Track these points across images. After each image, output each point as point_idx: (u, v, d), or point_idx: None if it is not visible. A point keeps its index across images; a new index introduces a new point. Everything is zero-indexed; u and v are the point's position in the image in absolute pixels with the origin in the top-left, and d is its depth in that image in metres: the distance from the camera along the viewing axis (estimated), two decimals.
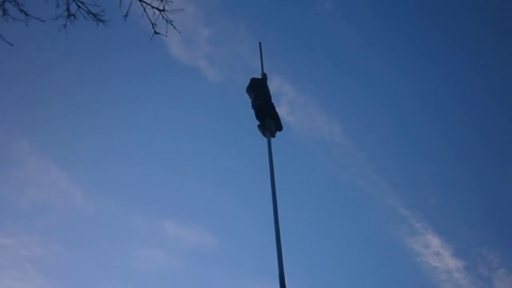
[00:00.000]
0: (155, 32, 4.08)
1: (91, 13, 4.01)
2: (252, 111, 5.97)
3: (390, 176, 14.56)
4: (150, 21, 4.03)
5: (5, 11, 3.78)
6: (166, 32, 4.11)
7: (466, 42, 14.87)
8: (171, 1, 4.07)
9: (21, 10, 3.79)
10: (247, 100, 6.26)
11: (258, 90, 6.05)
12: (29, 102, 13.94)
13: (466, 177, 14.90)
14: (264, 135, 5.61)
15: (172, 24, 4.09)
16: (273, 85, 6.69)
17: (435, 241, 13.61)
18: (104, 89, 14.36)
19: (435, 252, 13.51)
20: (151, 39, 4.06)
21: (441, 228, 13.94)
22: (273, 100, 6.09)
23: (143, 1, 4.03)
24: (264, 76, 6.41)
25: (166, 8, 4.03)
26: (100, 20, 4.03)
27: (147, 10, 4.02)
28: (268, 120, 5.64)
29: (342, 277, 13.44)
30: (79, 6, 3.98)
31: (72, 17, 3.99)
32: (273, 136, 5.60)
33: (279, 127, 5.86)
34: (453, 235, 14.04)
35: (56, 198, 13.54)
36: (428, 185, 14.72)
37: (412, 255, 13.62)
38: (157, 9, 4.04)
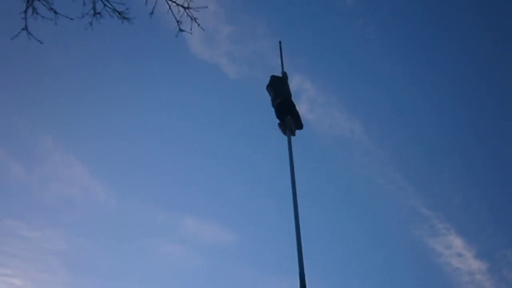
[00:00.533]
0: (180, 30, 4.13)
1: (117, 11, 4.08)
2: (272, 109, 5.97)
3: (411, 175, 14.37)
4: (175, 18, 4.08)
5: (34, 10, 3.87)
6: (191, 29, 4.16)
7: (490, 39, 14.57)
8: None
9: (51, 9, 3.88)
10: (267, 98, 6.24)
11: (278, 88, 6.04)
12: (53, 98, 14.26)
13: (491, 177, 14.60)
14: (284, 133, 5.60)
15: (196, 22, 4.13)
16: (293, 83, 6.69)
17: (457, 242, 13.38)
18: (127, 86, 14.55)
19: (457, 253, 13.28)
20: (176, 36, 4.11)
21: (464, 229, 13.69)
22: (293, 98, 6.08)
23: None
24: (285, 74, 6.39)
25: (190, 6, 4.07)
26: (125, 18, 4.10)
27: (172, 7, 4.07)
28: (288, 118, 5.63)
29: (362, 277, 13.34)
30: (104, 5, 4.07)
31: (98, 15, 4.07)
32: (293, 135, 5.59)
33: (300, 126, 5.84)
34: (477, 236, 13.78)
35: (79, 193, 13.83)
36: (451, 184, 14.47)
37: (434, 256, 13.42)
38: (182, 6, 4.09)
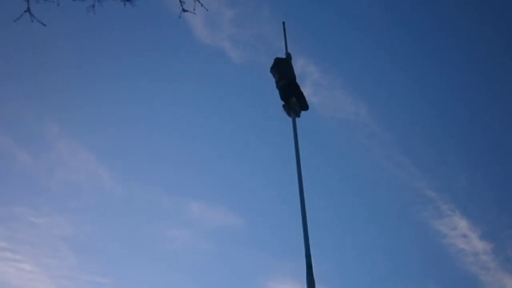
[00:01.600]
0: (183, 10, 4.10)
1: None
2: (277, 91, 5.95)
3: (417, 157, 14.35)
4: None
5: None
6: (194, 9, 4.12)
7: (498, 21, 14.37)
8: None
9: None
10: (271, 80, 6.23)
11: (282, 70, 6.01)
12: (58, 85, 14.28)
13: (496, 159, 14.55)
14: (289, 115, 5.59)
15: (199, 2, 4.09)
16: (297, 66, 6.64)
17: (462, 223, 13.41)
18: (131, 72, 14.55)
19: (462, 234, 13.32)
20: (179, 17, 4.08)
21: (469, 210, 13.71)
22: (297, 81, 6.05)
23: None
24: (289, 55, 6.35)
25: None
26: (127, 0, 4.06)
27: None
28: (293, 100, 5.61)
29: (367, 258, 13.43)
30: None
31: None
32: (298, 116, 5.57)
33: (305, 107, 5.83)
34: (482, 217, 13.79)
35: (85, 179, 13.94)
36: (457, 166, 14.45)
37: (438, 237, 13.47)
38: None
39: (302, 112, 5.80)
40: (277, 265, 12.81)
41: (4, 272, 12.18)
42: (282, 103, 5.79)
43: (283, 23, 6.67)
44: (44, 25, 3.84)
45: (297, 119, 5.53)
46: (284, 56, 6.37)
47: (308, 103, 5.95)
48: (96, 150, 14.03)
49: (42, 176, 13.68)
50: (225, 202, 13.93)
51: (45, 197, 13.61)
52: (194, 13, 4.17)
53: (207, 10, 4.16)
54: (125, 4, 4.08)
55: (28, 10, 3.78)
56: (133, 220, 13.95)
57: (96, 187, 13.90)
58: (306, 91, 6.32)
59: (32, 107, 13.89)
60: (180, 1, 4.04)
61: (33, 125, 13.82)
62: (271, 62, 6.36)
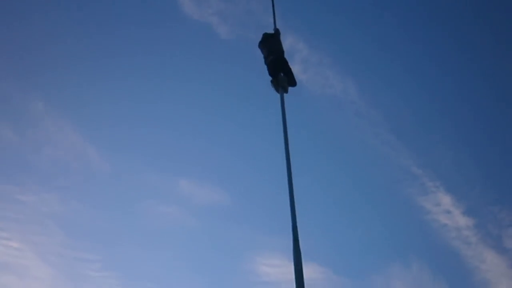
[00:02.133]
0: None
1: None
2: (265, 67, 5.93)
3: (403, 135, 14.53)
4: None
5: None
6: None
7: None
8: None
9: None
10: (259, 56, 6.20)
11: (271, 45, 5.99)
12: (43, 63, 14.03)
13: (481, 136, 14.81)
14: (277, 90, 5.60)
15: None
16: (286, 43, 6.59)
17: (446, 200, 13.71)
18: (119, 49, 14.36)
19: (445, 210, 13.64)
20: None
21: (453, 186, 14.01)
22: (286, 57, 6.03)
23: None
24: (277, 31, 6.32)
25: None
26: None
27: None
28: (281, 76, 5.61)
29: (352, 233, 13.71)
30: None
31: None
32: (286, 92, 5.59)
33: (293, 83, 5.83)
34: (465, 193, 14.12)
35: (72, 157, 13.86)
36: (442, 144, 14.68)
37: (422, 213, 13.78)
38: None
39: (290, 88, 5.81)
40: (265, 241, 13.02)
41: None
42: (270, 78, 5.78)
43: None
44: None
45: (285, 95, 5.53)
46: (272, 32, 6.34)
47: (297, 79, 5.96)
48: (83, 128, 13.95)
49: (28, 153, 13.58)
50: (213, 179, 14.02)
51: (32, 175, 13.54)
52: None
53: None
54: None
55: None
56: (121, 197, 13.99)
57: (84, 164, 13.86)
58: (295, 68, 6.33)
59: (16, 84, 13.67)
60: None
61: (17, 102, 13.63)
62: (259, 38, 6.33)
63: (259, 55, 6.23)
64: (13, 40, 13.75)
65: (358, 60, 14.74)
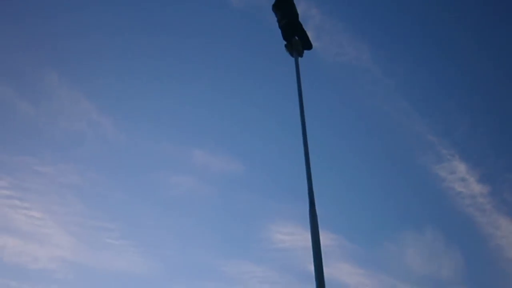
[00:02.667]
0: None
1: None
2: (279, 31, 5.84)
3: (418, 102, 14.37)
4: None
5: None
6: None
7: None
8: None
9: None
10: (273, 21, 6.07)
11: (284, 8, 5.88)
12: (57, 34, 14.03)
13: (496, 103, 14.55)
14: (292, 55, 5.50)
15: None
16: (299, 9, 6.46)
17: (461, 167, 13.63)
18: (130, 21, 14.26)
19: (460, 178, 13.58)
20: None
21: (468, 154, 13.90)
22: (300, 20, 5.93)
23: None
24: None
25: None
26: None
27: None
28: (296, 39, 5.53)
29: (366, 201, 13.78)
30: None
31: None
32: (301, 56, 5.51)
33: (309, 46, 5.75)
34: (481, 161, 14.01)
35: (88, 128, 14.03)
36: (458, 111, 14.48)
37: (437, 181, 13.75)
38: None
39: (305, 55, 5.72)
40: (279, 209, 13.18)
41: (15, 220, 12.59)
42: (285, 43, 5.70)
43: None
44: None
45: (299, 60, 5.45)
46: None
47: (311, 39, 5.85)
48: (98, 98, 14.04)
49: (44, 125, 13.79)
50: (227, 149, 14.13)
51: (49, 146, 13.79)
52: None
53: None
54: None
55: None
56: (137, 167, 14.22)
57: (99, 135, 14.04)
58: (308, 35, 6.21)
59: (29, 56, 13.74)
60: None
61: (32, 74, 13.75)
62: (272, 2, 6.20)
63: (273, 20, 6.12)
64: (24, 11, 13.75)
65: (373, 26, 14.46)
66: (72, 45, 14.07)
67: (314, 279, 3.62)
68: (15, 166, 13.14)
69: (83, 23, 14.04)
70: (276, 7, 6.01)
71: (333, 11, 13.80)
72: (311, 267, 3.73)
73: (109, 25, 14.28)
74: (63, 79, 13.98)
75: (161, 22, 14.42)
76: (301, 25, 5.80)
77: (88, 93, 13.94)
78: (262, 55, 13.61)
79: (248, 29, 13.97)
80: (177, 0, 14.27)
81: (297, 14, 5.90)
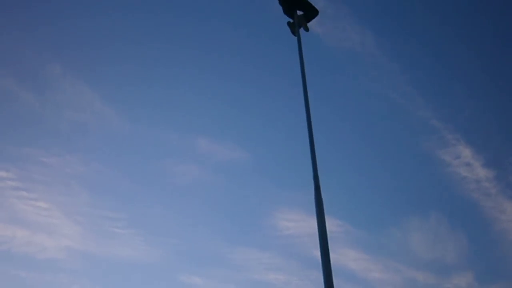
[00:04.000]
0: None
1: None
2: (281, 9, 5.63)
3: (423, 87, 14.21)
4: None
5: None
6: None
7: None
8: None
9: None
10: (276, 4, 5.97)
11: None
12: (58, 24, 13.96)
13: (500, 88, 14.40)
14: (294, 33, 5.35)
15: None
16: None
17: (466, 152, 13.54)
18: (133, 8, 14.15)
19: (465, 162, 13.49)
20: None
21: (473, 139, 13.79)
22: None
23: None
24: None
25: None
26: None
27: None
28: (298, 14, 5.37)
29: (371, 187, 13.75)
30: None
31: None
32: (307, 30, 5.34)
33: (314, 13, 5.52)
34: (486, 145, 13.90)
35: (92, 118, 14.02)
36: (462, 95, 14.35)
37: (442, 166, 13.67)
38: None
39: (309, 41, 5.55)
40: (284, 196, 13.18)
41: (22, 211, 12.66)
42: (287, 21, 5.53)
43: None
44: None
45: (302, 38, 5.24)
46: None
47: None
48: (101, 89, 14.01)
49: (48, 116, 13.78)
50: (232, 137, 14.08)
51: (54, 137, 13.81)
52: None
53: None
54: None
55: None
56: (141, 157, 14.21)
57: (103, 125, 14.03)
58: (311, 22, 6.05)
59: (32, 46, 13.69)
60: None
61: (35, 65, 13.69)
62: None
63: (277, 6, 6.00)
64: (26, 2, 13.67)
65: (376, 11, 14.26)
66: (74, 35, 14.02)
67: (320, 265, 3.62)
68: (21, 158, 13.19)
69: (85, 12, 13.97)
70: None
71: None
72: (317, 253, 3.71)
73: (111, 14, 14.18)
74: (66, 69, 13.95)
75: (165, 9, 14.32)
76: None
77: (92, 83, 13.93)
78: (266, 40, 13.51)
79: (251, 15, 13.84)
80: None
81: None
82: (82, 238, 12.81)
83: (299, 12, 5.55)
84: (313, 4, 5.61)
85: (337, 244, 11.75)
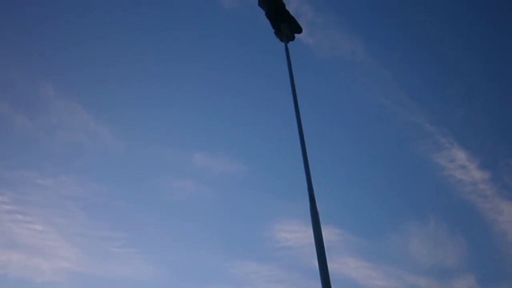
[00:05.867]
0: None
1: None
2: (269, 24, 5.79)
3: (415, 92, 14.34)
4: None
5: None
6: None
7: None
8: None
9: None
10: (265, 22, 6.05)
11: (270, 1, 5.87)
12: (49, 45, 14.01)
13: (492, 89, 14.54)
14: (282, 40, 5.49)
15: None
16: (291, 6, 6.45)
17: (460, 155, 13.60)
18: (123, 27, 14.24)
19: (460, 165, 13.55)
20: None
21: (467, 141, 13.88)
22: (288, 8, 5.89)
23: None
24: None
25: None
26: None
27: None
28: (284, 25, 5.51)
29: (368, 194, 13.76)
30: None
31: None
32: (292, 39, 5.46)
33: (298, 29, 5.71)
34: (480, 148, 13.99)
35: (86, 138, 14.02)
36: (455, 98, 14.47)
37: (437, 170, 13.73)
38: None
39: (299, 52, 5.67)
40: (282, 208, 13.16)
41: (18, 234, 12.56)
42: (274, 31, 5.66)
43: None
44: None
45: (292, 51, 5.32)
46: None
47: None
48: (94, 108, 14.03)
49: (43, 138, 13.76)
50: (227, 151, 14.10)
51: (48, 159, 13.77)
52: None
53: None
54: None
55: None
56: (137, 174, 14.19)
57: (98, 145, 14.02)
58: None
59: (23, 69, 13.73)
60: None
61: (26, 88, 13.72)
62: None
63: (265, 21, 6.09)
64: (16, 25, 13.72)
65: (365, 18, 14.44)
66: (65, 55, 14.06)
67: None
68: (15, 181, 13.13)
69: (75, 32, 14.04)
70: (261, 2, 6.00)
71: (325, 5, 13.79)
72: (317, 264, 3.71)
73: (102, 33, 14.26)
74: (58, 90, 13.98)
75: (156, 25, 14.41)
76: (288, 12, 5.79)
77: (85, 103, 13.95)
78: (257, 54, 13.60)
79: (242, 28, 13.96)
80: (171, 4, 14.23)
81: (283, 4, 5.88)
82: (80, 260, 12.71)
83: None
84: (298, 22, 5.75)
85: (337, 253, 11.73)
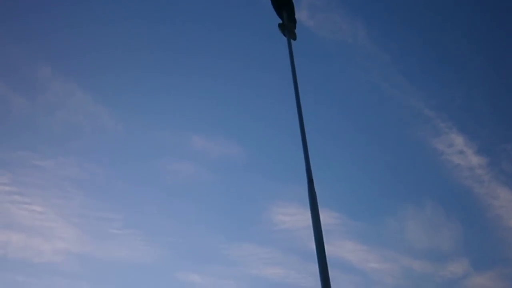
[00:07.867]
0: None
1: None
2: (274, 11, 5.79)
3: (414, 76, 14.30)
4: None
5: None
6: None
7: None
8: None
9: None
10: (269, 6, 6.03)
11: None
12: (48, 26, 13.87)
13: (491, 74, 14.50)
14: (284, 34, 5.49)
15: None
16: None
17: (459, 140, 13.65)
18: (122, 10, 14.09)
19: (458, 150, 13.61)
20: None
21: (465, 126, 13.91)
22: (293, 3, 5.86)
23: None
24: None
25: None
26: None
27: None
28: (289, 23, 5.52)
29: (365, 178, 13.84)
30: None
31: None
32: (294, 39, 5.50)
33: (293, 20, 5.72)
34: (478, 133, 14.02)
35: (85, 119, 13.99)
36: (454, 83, 14.44)
37: (435, 155, 13.79)
38: None
39: (300, 35, 5.66)
40: (280, 191, 13.24)
41: (17, 215, 12.62)
42: (278, 23, 5.65)
43: None
44: None
45: (293, 41, 5.40)
46: None
47: (304, 27, 5.83)
48: (93, 90, 13.96)
49: (41, 119, 13.72)
50: (225, 133, 14.10)
51: (47, 140, 13.75)
52: None
53: None
54: None
55: None
56: (136, 156, 14.21)
57: (96, 126, 13.99)
58: (302, 15, 6.12)
59: (21, 49, 13.60)
60: None
61: (25, 68, 13.61)
62: None
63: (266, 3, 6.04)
64: (14, 6, 13.56)
65: (367, 1, 14.29)
66: (64, 37, 13.94)
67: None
68: (14, 162, 13.13)
69: (74, 14, 13.89)
70: None
71: None
72: (314, 246, 3.75)
73: (101, 16, 14.11)
74: (57, 71, 13.88)
75: (154, 11, 14.27)
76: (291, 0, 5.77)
77: (83, 84, 13.86)
78: (257, 38, 13.51)
79: (242, 14, 13.82)
80: None
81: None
82: (79, 240, 12.81)
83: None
84: (296, 11, 5.78)
85: (334, 236, 11.85)
